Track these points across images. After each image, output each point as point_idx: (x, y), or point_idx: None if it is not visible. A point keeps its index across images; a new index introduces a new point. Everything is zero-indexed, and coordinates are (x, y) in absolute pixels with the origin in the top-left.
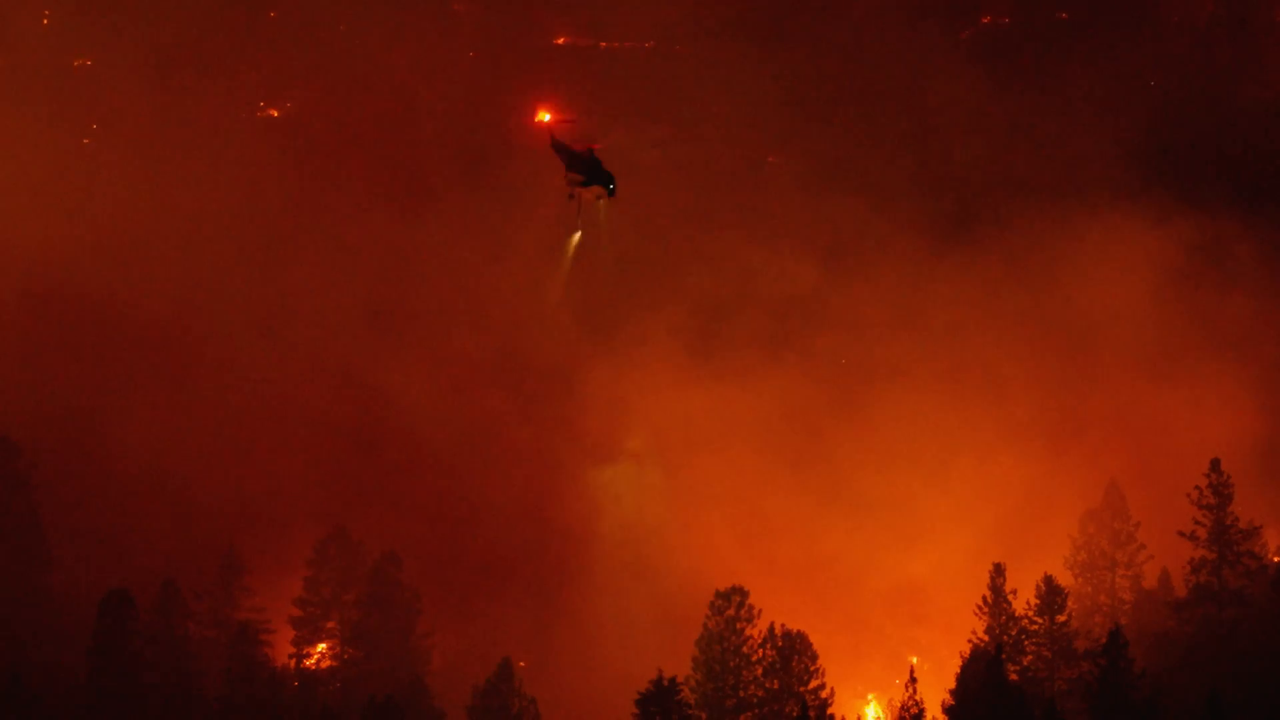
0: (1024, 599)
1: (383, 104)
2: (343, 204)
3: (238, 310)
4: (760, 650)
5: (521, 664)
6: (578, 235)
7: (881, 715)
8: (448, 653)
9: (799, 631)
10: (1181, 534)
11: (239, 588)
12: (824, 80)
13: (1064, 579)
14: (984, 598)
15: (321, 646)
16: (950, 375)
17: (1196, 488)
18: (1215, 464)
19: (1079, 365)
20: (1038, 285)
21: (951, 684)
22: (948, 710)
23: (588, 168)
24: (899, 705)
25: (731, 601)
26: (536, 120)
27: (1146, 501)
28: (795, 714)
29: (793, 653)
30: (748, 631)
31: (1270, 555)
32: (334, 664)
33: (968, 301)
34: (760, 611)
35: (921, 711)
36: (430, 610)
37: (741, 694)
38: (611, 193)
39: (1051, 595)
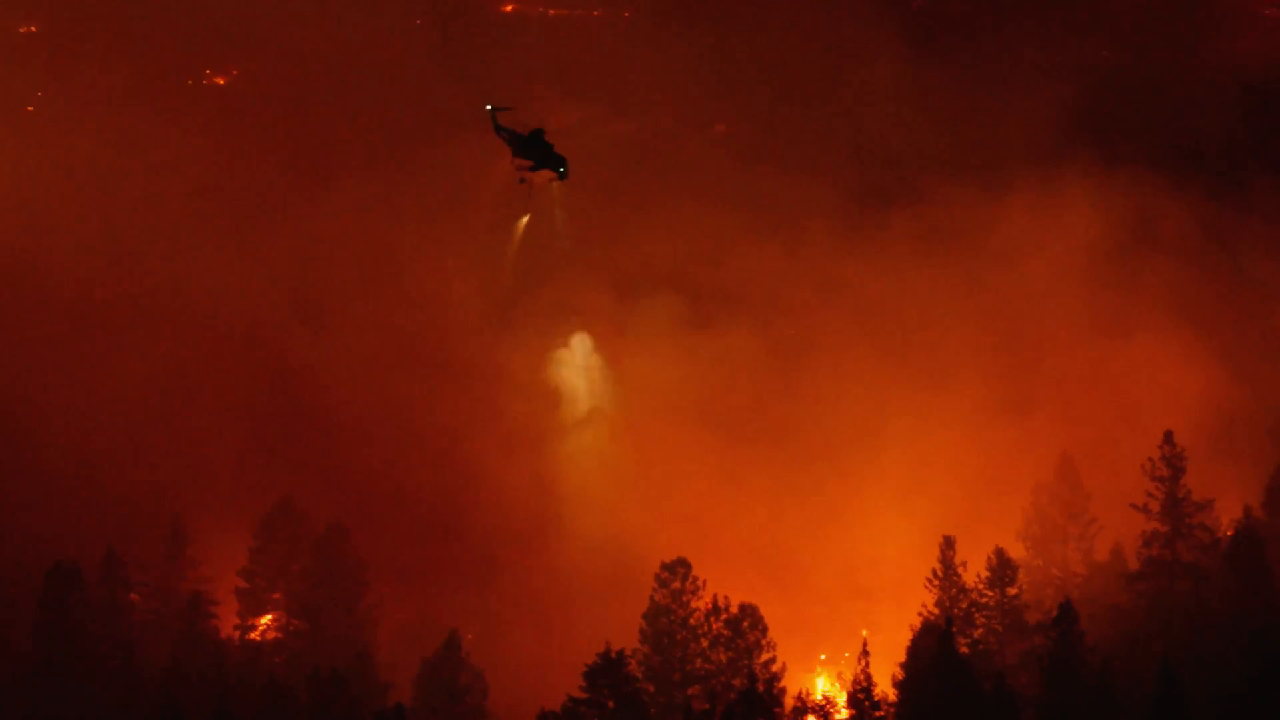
0: (975, 572)
1: (323, 75)
2: (280, 176)
3: (172, 281)
4: (708, 623)
5: (469, 636)
6: (525, 219)
7: (832, 688)
8: (395, 625)
9: (748, 604)
10: (1134, 506)
11: (184, 559)
12: (756, 54)
13: (1015, 552)
14: (934, 570)
15: (267, 618)
16: (897, 349)
17: (1149, 460)
18: (1168, 436)
19: (1030, 336)
20: (982, 256)
21: (902, 657)
22: (898, 684)
23: (535, 151)
24: (849, 678)
25: (676, 574)
26: (485, 109)
27: (1099, 474)
28: (744, 687)
29: (741, 625)
30: (694, 604)
31: (1223, 528)
32: (280, 636)
33: (913, 274)
34: (705, 583)
35: (872, 685)
36: (377, 582)
37: (689, 667)
38: (563, 176)
39: (1002, 568)
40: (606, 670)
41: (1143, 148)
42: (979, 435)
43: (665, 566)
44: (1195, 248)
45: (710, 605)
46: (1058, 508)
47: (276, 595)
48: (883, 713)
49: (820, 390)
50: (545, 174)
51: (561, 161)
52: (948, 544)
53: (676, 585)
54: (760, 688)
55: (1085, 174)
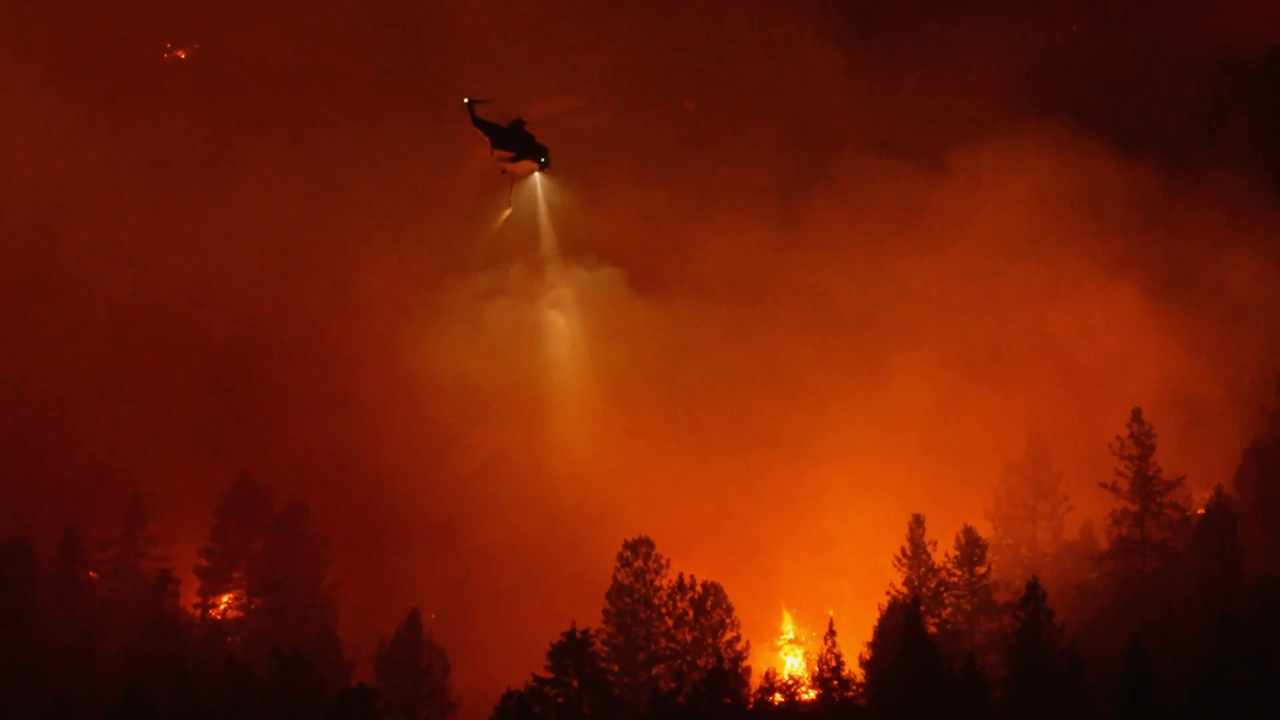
0: (943, 551)
1: (290, 51)
2: (238, 147)
3: (123, 256)
4: (672, 602)
5: (431, 615)
6: (508, 212)
7: (798, 668)
8: (356, 603)
9: (712, 583)
10: (1104, 485)
11: (143, 537)
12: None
13: (984, 531)
14: (902, 549)
15: (228, 597)
16: (865, 327)
17: (1118, 438)
18: (1137, 414)
19: (999, 315)
20: (947, 234)
21: (869, 636)
22: (865, 663)
23: (516, 142)
24: (816, 658)
25: (639, 553)
26: (463, 101)
27: (1069, 452)
28: (709, 666)
29: (705, 604)
30: (657, 583)
31: (1193, 507)
32: (240, 614)
33: (880, 253)
34: (669, 562)
35: (839, 664)
36: (339, 560)
37: (654, 646)
38: (544, 165)
39: (971, 547)
40: (571, 650)
41: (1107, 124)
42: (948, 413)
43: (628, 545)
44: (1165, 225)
45: (675, 584)
46: (1027, 486)
47: (237, 573)
48: (850, 692)
49: (786, 368)
50: (526, 164)
51: (543, 151)
52: (916, 523)
53: (639, 564)
54: (726, 667)
55: (1052, 150)
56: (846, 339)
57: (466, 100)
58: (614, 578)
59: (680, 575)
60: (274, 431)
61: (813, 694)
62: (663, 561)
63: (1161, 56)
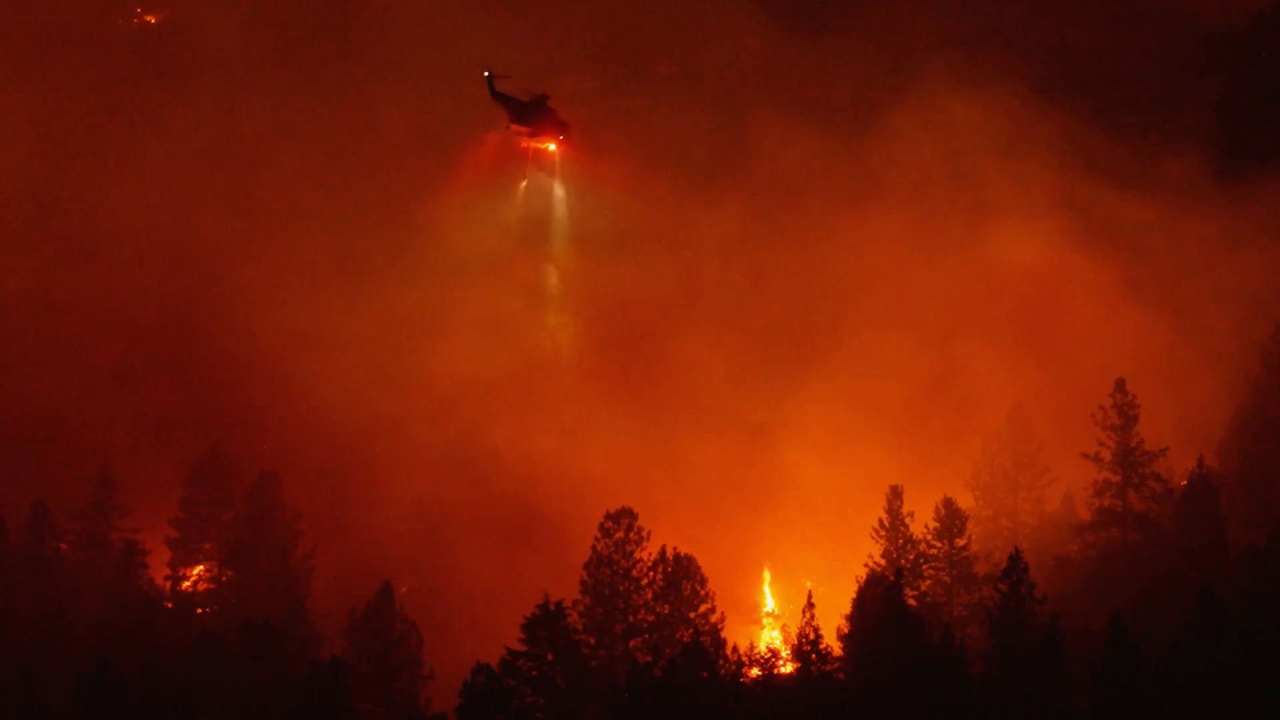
0: (922, 522)
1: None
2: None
3: (93, 220)
4: (651, 574)
5: (403, 588)
6: (524, 184)
7: (776, 641)
8: (328, 575)
9: (688, 555)
10: (1085, 456)
11: (114, 508)
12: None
13: (964, 502)
14: (881, 520)
15: (199, 568)
16: (845, 296)
17: (1101, 408)
18: (1120, 384)
19: (980, 284)
20: (929, 202)
21: (848, 609)
22: (843, 636)
23: (536, 117)
24: (795, 631)
25: (621, 524)
26: (482, 75)
27: (1050, 422)
28: (687, 639)
29: (682, 577)
30: (637, 555)
31: (1176, 478)
32: (212, 586)
33: (861, 222)
34: (650, 534)
35: (818, 637)
36: (311, 531)
37: (631, 618)
38: (565, 141)
39: (951, 518)
40: (546, 621)
41: (1083, 84)
42: (928, 383)
43: (610, 516)
44: (1143, 195)
45: (655, 557)
46: (1008, 456)
47: (208, 544)
48: (828, 665)
49: (762, 338)
50: (545, 139)
51: (564, 128)
52: (895, 494)
53: (620, 535)
54: (704, 640)
55: (1025, 117)
56: (827, 314)
57: (486, 74)
58: (593, 549)
59: (661, 548)
60: (246, 402)
61: (791, 667)
62: (644, 534)
63: (1140, 26)
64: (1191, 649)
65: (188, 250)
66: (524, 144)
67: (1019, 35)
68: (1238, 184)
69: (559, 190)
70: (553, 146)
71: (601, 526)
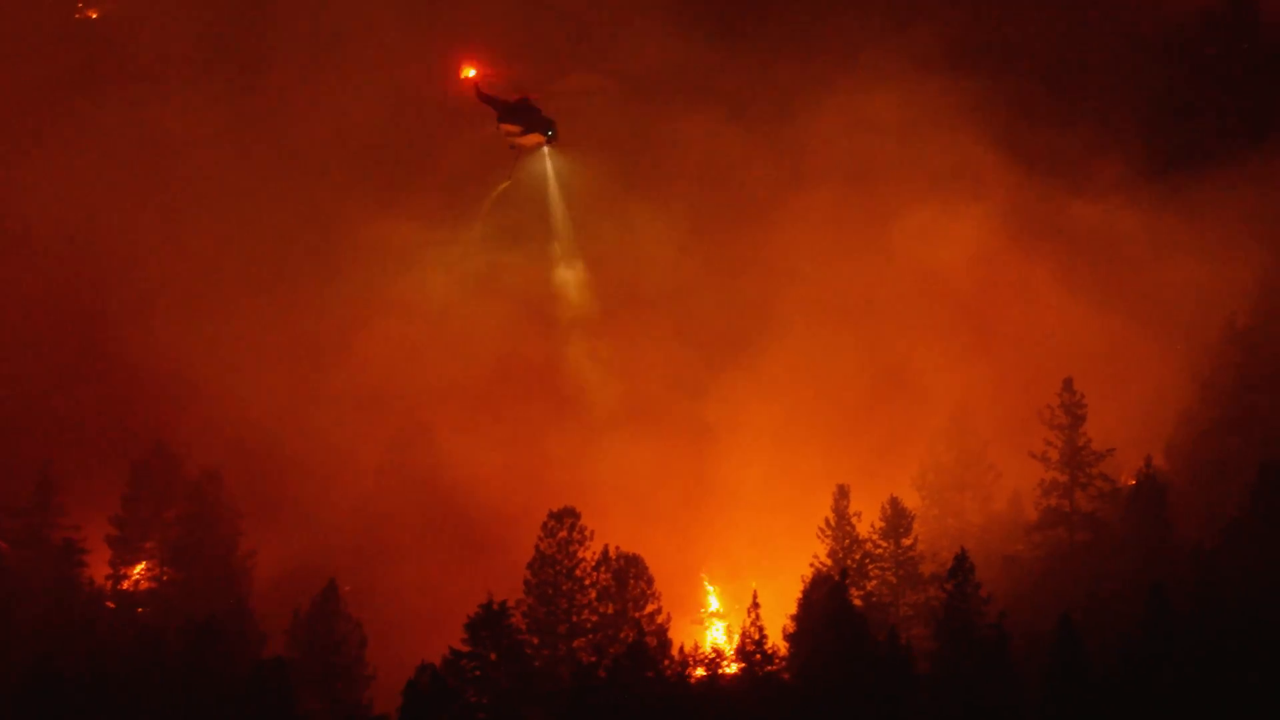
0: (869, 521)
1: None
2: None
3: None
4: (595, 573)
5: (347, 586)
6: (506, 184)
7: (721, 641)
8: (271, 574)
9: (634, 554)
10: (1032, 455)
11: (54, 506)
12: None
13: (910, 501)
14: (827, 520)
15: (140, 567)
16: (787, 294)
17: (1048, 407)
18: (1067, 383)
19: (925, 280)
20: (876, 196)
21: (793, 609)
22: (788, 636)
23: (523, 117)
24: (740, 631)
25: (564, 523)
26: (461, 76)
27: (997, 421)
28: (631, 639)
29: (627, 576)
30: (580, 554)
31: (1124, 478)
32: (153, 585)
33: (802, 215)
34: (593, 533)
35: (763, 637)
36: (253, 530)
37: (575, 618)
38: (551, 139)
39: (897, 518)
40: (488, 622)
41: (1028, 78)
42: (874, 381)
43: (553, 515)
44: (1095, 192)
45: (598, 556)
46: (953, 455)
47: (149, 543)
48: (773, 665)
49: (706, 338)
50: (534, 138)
51: (550, 125)
52: (841, 493)
53: (564, 535)
54: (648, 640)
55: (970, 109)
56: (770, 313)
57: (471, 74)
58: (537, 548)
59: (605, 547)
60: (187, 401)
61: (735, 667)
62: (587, 533)
63: (1088, 19)
64: (1140, 649)
65: (122, 249)
66: (512, 143)
67: (961, 29)
68: (1186, 180)
69: (552, 185)
70: (545, 147)
71: (544, 526)
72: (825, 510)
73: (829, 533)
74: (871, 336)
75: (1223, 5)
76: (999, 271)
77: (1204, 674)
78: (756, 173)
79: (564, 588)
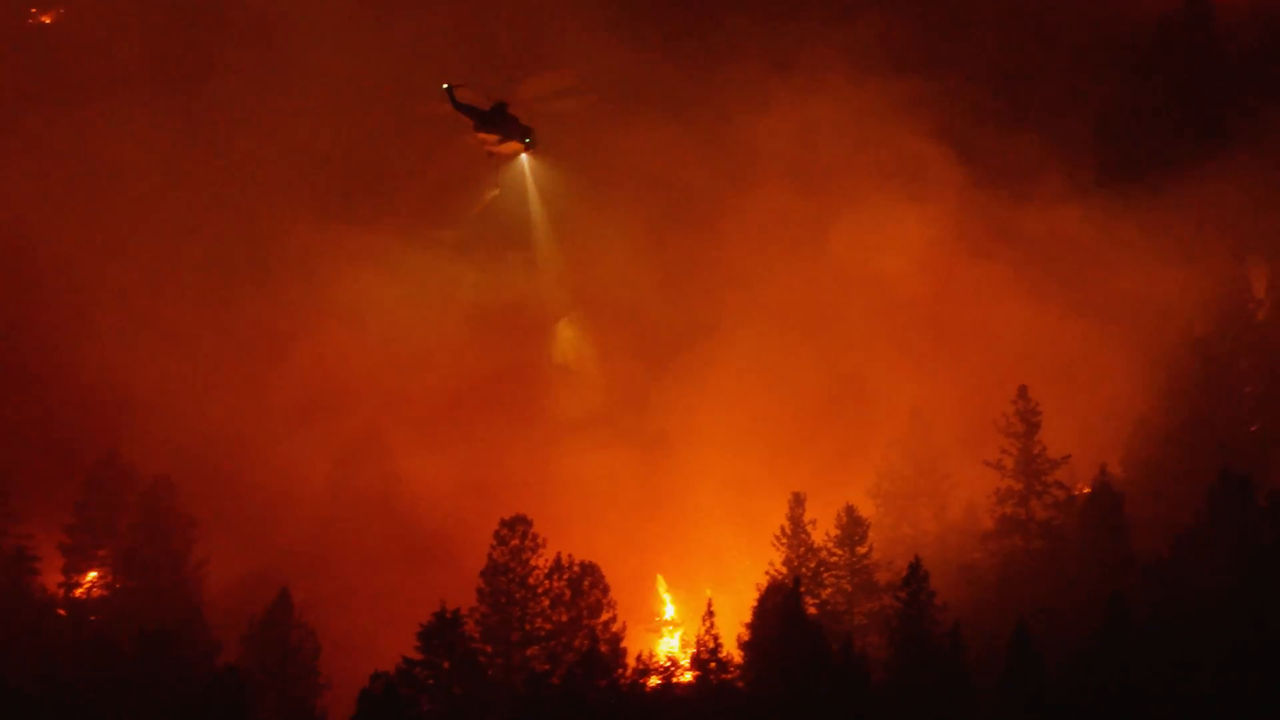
0: (824, 529)
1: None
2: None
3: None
4: (548, 581)
5: (300, 596)
6: (495, 192)
7: (676, 649)
8: (225, 582)
9: (589, 562)
10: (987, 463)
11: (5, 514)
12: None
13: (866, 509)
14: (782, 528)
15: (92, 575)
16: (743, 305)
17: (1004, 415)
18: (1022, 391)
19: (881, 287)
20: (830, 200)
21: (748, 618)
22: (743, 644)
23: (500, 124)
24: (694, 639)
25: (516, 531)
26: (441, 88)
27: (952, 428)
28: (585, 648)
29: (582, 584)
30: (533, 562)
31: (1079, 486)
32: (105, 593)
33: (763, 214)
34: (546, 541)
35: (718, 646)
36: (206, 538)
37: (528, 627)
38: (530, 145)
39: (853, 526)
40: (442, 630)
41: (984, 84)
42: (830, 389)
43: (505, 523)
44: (1052, 198)
45: (551, 564)
46: (908, 463)
47: (102, 551)
48: (728, 674)
49: (662, 343)
50: (512, 146)
51: (528, 132)
52: (796, 501)
53: (516, 543)
54: (602, 648)
55: (929, 116)
56: (725, 321)
57: (446, 86)
58: (489, 556)
59: (558, 555)
60: (139, 409)
61: (690, 676)
62: (539, 540)
63: (1042, 24)
64: (1096, 659)
65: (69, 257)
66: (490, 150)
67: (916, 34)
68: (1143, 187)
69: (533, 192)
70: (524, 155)
71: (496, 534)
72: (780, 518)
73: (784, 541)
74: (826, 344)
75: (1179, 12)
76: (954, 278)
77: (1160, 684)
78: (708, 180)
79: (517, 596)
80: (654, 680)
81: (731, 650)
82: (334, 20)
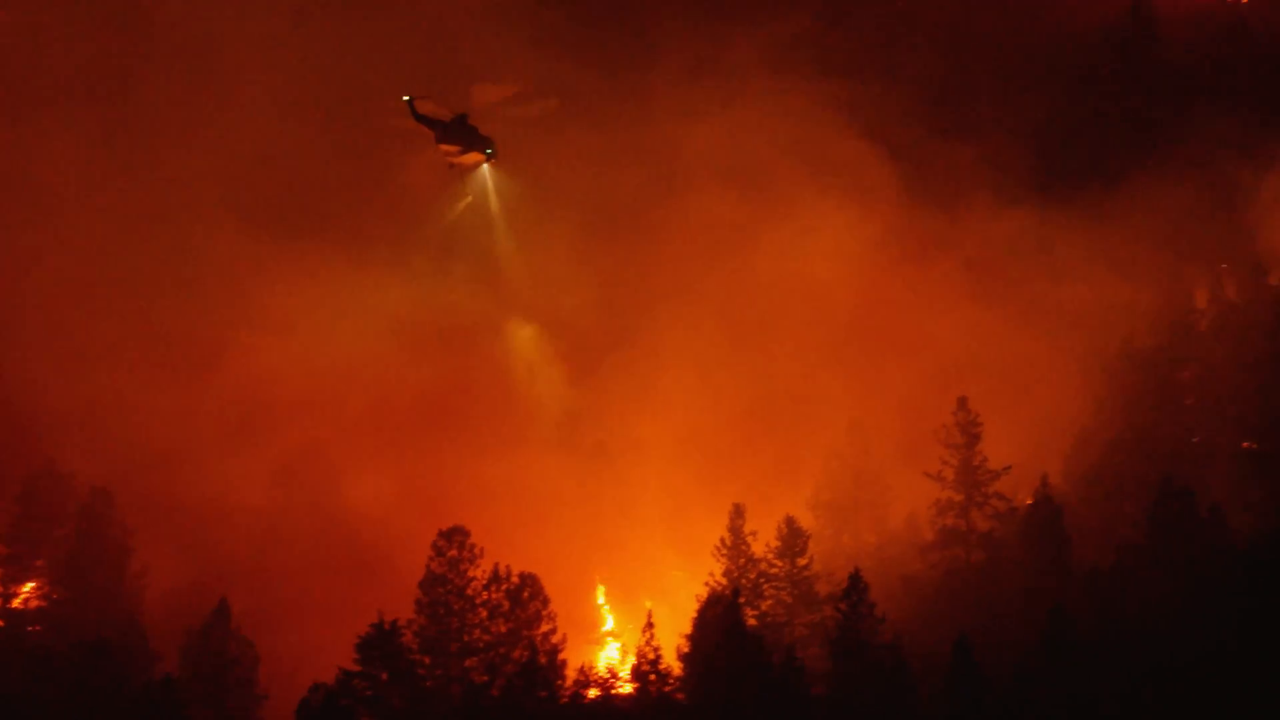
0: (764, 541)
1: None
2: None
3: None
4: (486, 593)
5: (239, 607)
6: (467, 200)
7: (615, 660)
8: (164, 593)
9: (528, 573)
10: (928, 474)
11: None
12: None
13: (806, 520)
14: (722, 539)
15: (30, 585)
16: (682, 310)
17: (944, 426)
18: (962, 402)
19: (822, 298)
20: (775, 208)
21: (688, 629)
22: (683, 656)
23: (461, 136)
24: (634, 651)
25: (454, 541)
26: (402, 99)
27: (892, 439)
28: (524, 659)
29: (521, 595)
30: (471, 573)
31: (1020, 497)
32: (43, 604)
33: (709, 227)
34: (484, 552)
35: (657, 657)
36: (144, 548)
37: (467, 638)
38: (491, 156)
39: (793, 537)
40: (380, 641)
41: (924, 92)
42: (770, 399)
43: (442, 534)
44: (991, 208)
45: (490, 574)
46: (848, 474)
47: (39, 562)
48: (668, 685)
49: (602, 353)
50: (474, 157)
51: (488, 143)
52: (737, 512)
53: (454, 554)
54: (541, 660)
55: (861, 121)
56: (665, 329)
57: (407, 98)
58: (427, 567)
59: (495, 565)
60: (76, 419)
61: (630, 687)
62: (477, 551)
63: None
64: (1038, 671)
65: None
66: (452, 162)
67: (853, 38)
68: (1084, 197)
69: (494, 202)
70: (485, 165)
71: (434, 545)
72: (720, 529)
73: (724, 552)
74: (766, 354)
75: (1121, 22)
76: (894, 288)
77: (1102, 695)
78: (644, 189)
79: (455, 607)
80: (593, 691)
81: (671, 662)
82: (265, 30)
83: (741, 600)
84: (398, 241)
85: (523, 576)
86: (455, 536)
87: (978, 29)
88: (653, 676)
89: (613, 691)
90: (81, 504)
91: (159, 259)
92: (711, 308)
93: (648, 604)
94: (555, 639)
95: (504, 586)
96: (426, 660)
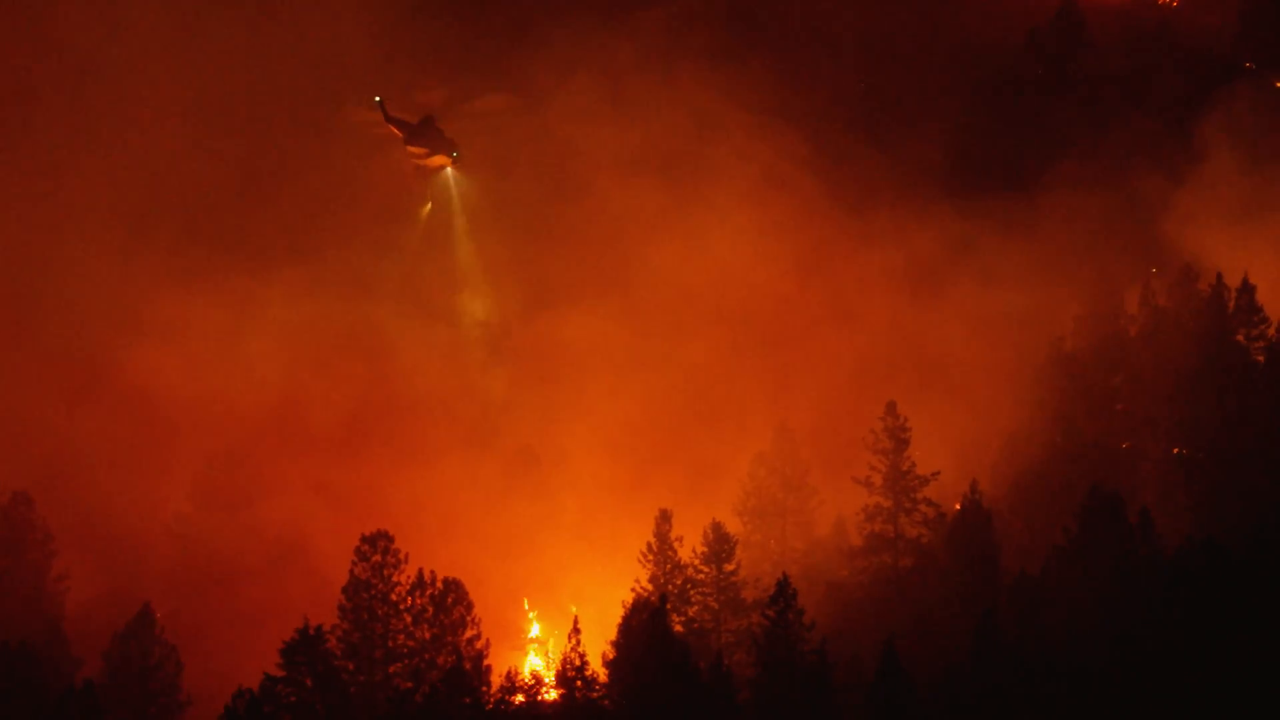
0: (690, 546)
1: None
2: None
3: None
4: (410, 598)
5: (161, 612)
6: (428, 206)
7: (541, 667)
8: (85, 597)
9: (452, 579)
10: (855, 480)
11: None
12: None
13: (733, 526)
14: (649, 545)
15: None
16: (614, 316)
17: (872, 431)
18: (891, 407)
19: (746, 302)
20: (697, 214)
21: (614, 635)
22: (609, 663)
23: (430, 139)
24: (560, 656)
25: (377, 547)
26: (374, 101)
27: (820, 444)
28: (449, 664)
29: (445, 601)
30: (395, 578)
31: (949, 503)
32: None
33: (631, 236)
34: (408, 557)
35: (583, 663)
36: (66, 552)
37: (391, 644)
38: (456, 159)
39: (719, 543)
40: (304, 647)
41: (851, 96)
42: (695, 402)
43: (366, 539)
44: (920, 211)
45: (414, 580)
46: (775, 480)
47: None
48: (594, 692)
49: (527, 357)
50: (440, 159)
51: (454, 146)
52: (663, 518)
53: (377, 559)
54: (466, 666)
55: (788, 124)
56: (591, 332)
57: (378, 99)
58: (351, 572)
59: (420, 571)
60: None
61: (555, 694)
62: (401, 557)
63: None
64: (966, 677)
65: None
66: (417, 164)
67: (774, 38)
68: (1013, 201)
69: (457, 205)
70: (449, 168)
71: (357, 550)
72: (646, 534)
73: (650, 558)
74: (693, 358)
75: (1048, 27)
76: (822, 293)
77: (1030, 702)
78: (565, 192)
79: (379, 612)
80: (519, 698)
81: (597, 668)
82: (160, 38)
83: (668, 606)
84: (314, 250)
85: (447, 582)
86: (379, 542)
87: (903, 32)
88: (579, 683)
89: (538, 698)
90: (1, 508)
91: (70, 269)
92: (636, 312)
93: (573, 609)
94: (480, 645)
95: (428, 592)
96: (350, 666)
